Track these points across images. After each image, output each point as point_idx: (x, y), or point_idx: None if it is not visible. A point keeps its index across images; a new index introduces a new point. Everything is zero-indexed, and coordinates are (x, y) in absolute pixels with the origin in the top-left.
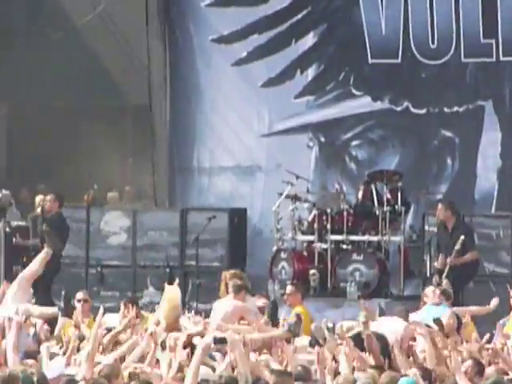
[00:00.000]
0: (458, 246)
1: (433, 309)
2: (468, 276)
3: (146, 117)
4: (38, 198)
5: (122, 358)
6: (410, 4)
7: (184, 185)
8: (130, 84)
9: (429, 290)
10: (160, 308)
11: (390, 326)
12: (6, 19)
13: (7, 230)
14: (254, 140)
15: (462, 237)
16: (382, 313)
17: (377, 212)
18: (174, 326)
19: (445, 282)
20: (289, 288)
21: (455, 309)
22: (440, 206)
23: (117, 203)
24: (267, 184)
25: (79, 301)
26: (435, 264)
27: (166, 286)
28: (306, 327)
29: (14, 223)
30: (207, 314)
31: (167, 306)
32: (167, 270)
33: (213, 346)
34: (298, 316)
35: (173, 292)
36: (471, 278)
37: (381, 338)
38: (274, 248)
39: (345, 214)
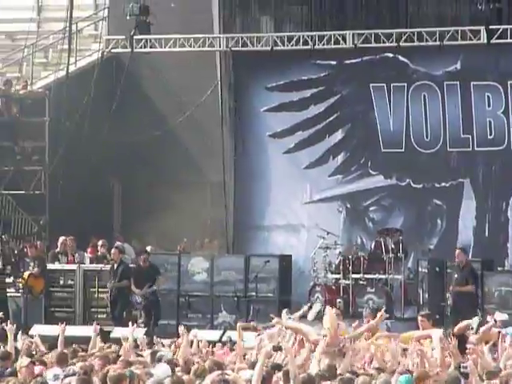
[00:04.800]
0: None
1: None
2: (469, 303)
3: (220, 190)
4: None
5: None
6: (410, 109)
7: (250, 238)
8: (209, 166)
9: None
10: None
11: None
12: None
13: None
14: (299, 206)
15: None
16: (389, 330)
17: (384, 258)
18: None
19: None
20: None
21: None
22: (459, 251)
23: (199, 251)
24: (308, 238)
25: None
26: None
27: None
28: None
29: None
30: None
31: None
32: (235, 298)
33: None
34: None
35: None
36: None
37: None
38: (311, 283)
39: (361, 259)
